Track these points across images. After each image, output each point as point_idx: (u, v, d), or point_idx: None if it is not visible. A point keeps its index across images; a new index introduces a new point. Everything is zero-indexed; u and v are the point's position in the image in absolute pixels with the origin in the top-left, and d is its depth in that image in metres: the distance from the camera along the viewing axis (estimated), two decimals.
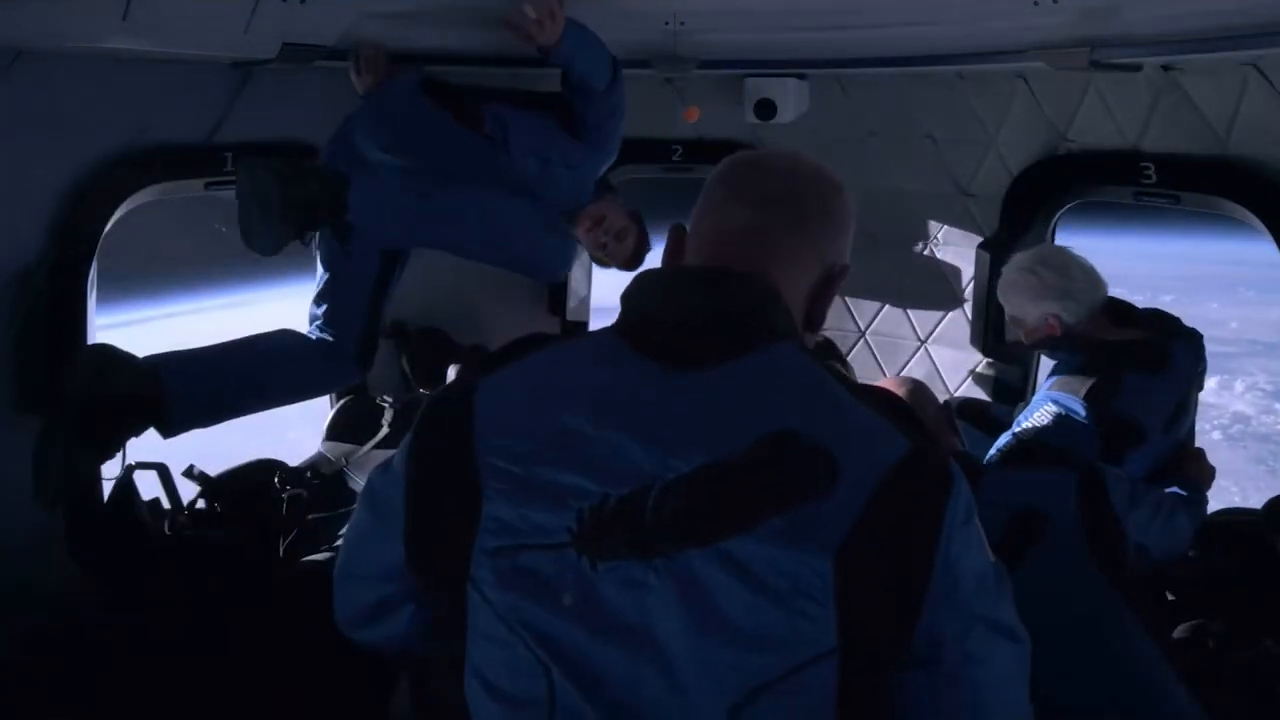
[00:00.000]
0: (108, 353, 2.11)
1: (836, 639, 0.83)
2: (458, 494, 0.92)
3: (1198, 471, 2.16)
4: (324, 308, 2.61)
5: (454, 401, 0.98)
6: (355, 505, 1.14)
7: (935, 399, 2.14)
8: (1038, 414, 2.07)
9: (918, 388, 2.10)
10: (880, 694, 0.88)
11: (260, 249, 2.40)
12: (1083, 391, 2.03)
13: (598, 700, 0.86)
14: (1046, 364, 3.14)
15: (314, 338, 2.60)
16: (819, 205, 1.06)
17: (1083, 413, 2.01)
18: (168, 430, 2.22)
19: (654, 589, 0.85)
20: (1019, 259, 2.28)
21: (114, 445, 2.13)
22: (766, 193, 1.05)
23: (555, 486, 0.88)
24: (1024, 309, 2.23)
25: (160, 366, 2.18)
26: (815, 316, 1.05)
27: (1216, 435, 15.45)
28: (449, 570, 0.92)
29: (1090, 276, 2.18)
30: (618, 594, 0.85)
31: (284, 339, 2.56)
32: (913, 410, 1.00)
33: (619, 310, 1.02)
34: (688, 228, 1.09)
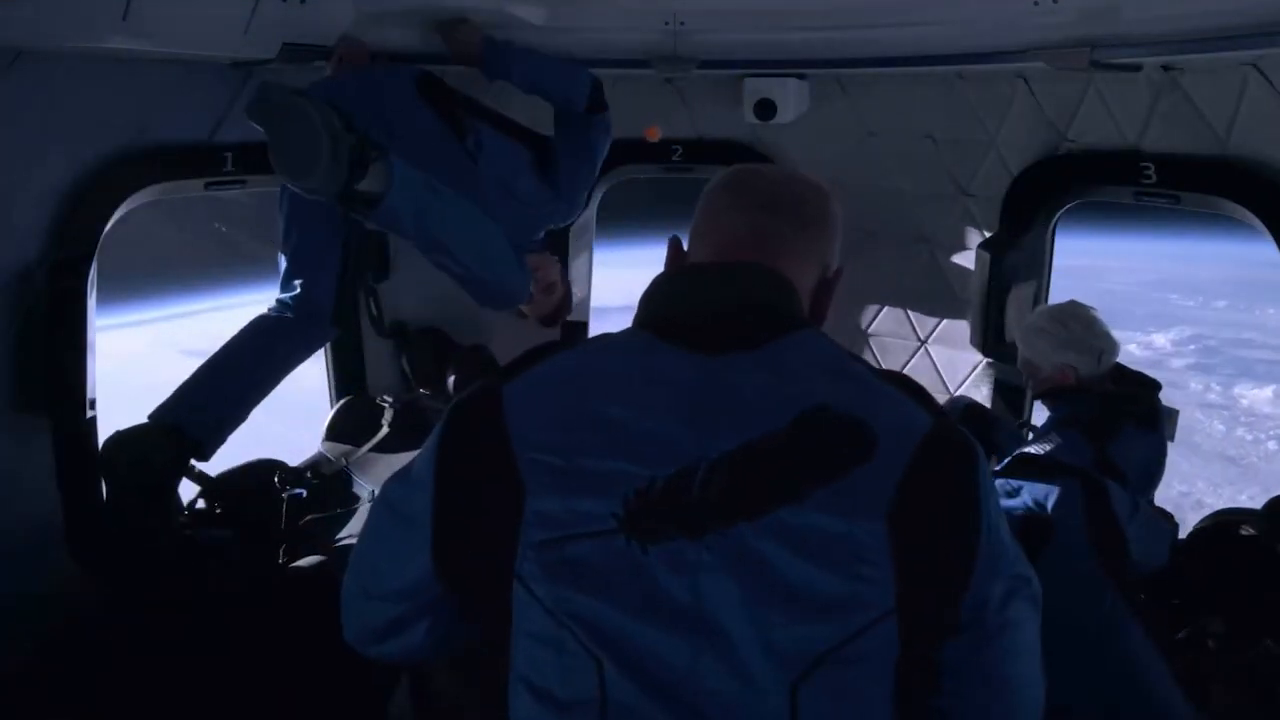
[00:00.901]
0: (137, 447, 2.28)
1: (895, 600, 0.85)
2: (497, 493, 0.91)
3: None
4: (297, 289, 2.60)
5: (482, 404, 0.97)
6: (364, 522, 1.11)
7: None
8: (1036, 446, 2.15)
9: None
10: (931, 662, 0.91)
11: (324, 181, 2.01)
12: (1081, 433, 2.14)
13: (653, 691, 0.85)
14: None
15: (288, 318, 2.62)
16: (818, 210, 1.09)
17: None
18: (204, 457, 2.45)
19: (707, 567, 0.85)
20: (1050, 311, 2.39)
21: (170, 492, 2.38)
22: (771, 197, 1.08)
23: (599, 474, 0.88)
24: (1045, 356, 2.31)
25: (181, 425, 2.34)
26: (818, 314, 1.08)
27: (1272, 445, 15.48)
28: (491, 572, 0.91)
29: (1111, 337, 2.30)
30: (670, 576, 0.85)
31: (263, 331, 2.61)
32: (929, 393, 1.03)
33: (638, 310, 1.04)
34: (684, 240, 1.12)
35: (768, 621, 0.84)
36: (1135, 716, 1.72)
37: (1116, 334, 2.30)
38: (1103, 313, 2.32)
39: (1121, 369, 2.34)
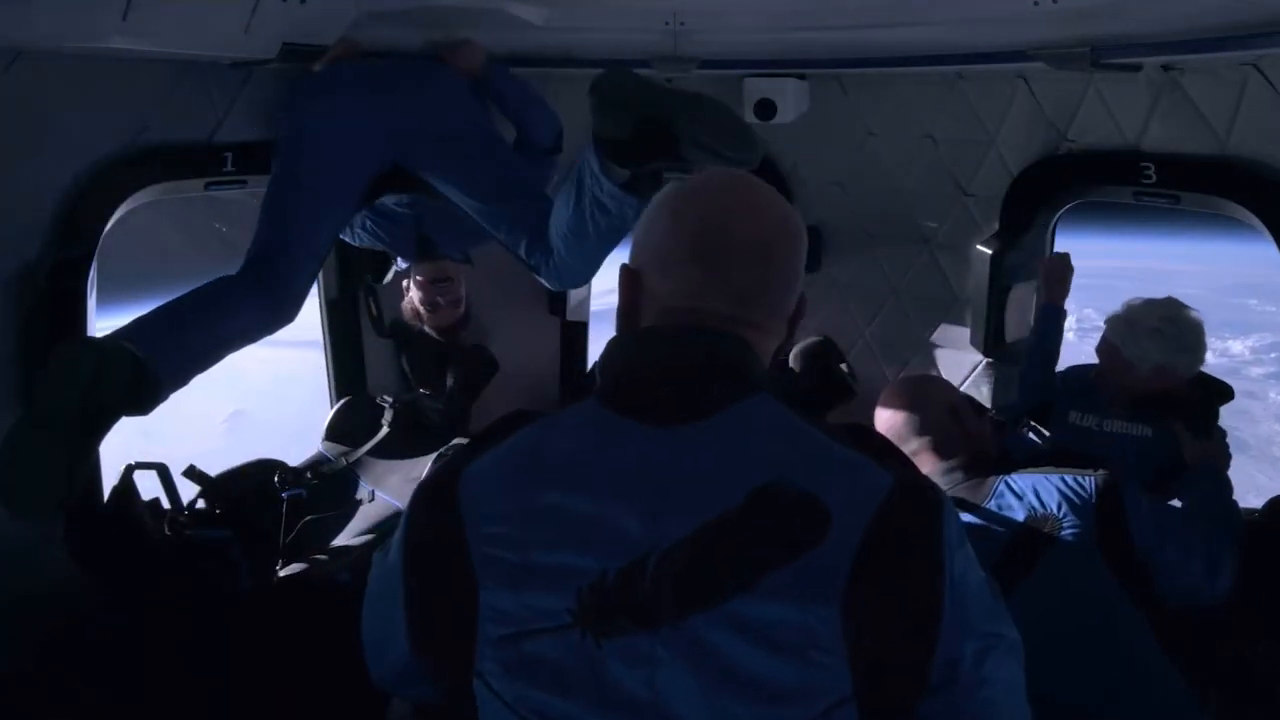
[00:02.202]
0: (103, 353, 1.88)
1: (851, 684, 0.84)
2: (454, 588, 0.91)
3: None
4: (278, 265, 2.27)
5: (439, 493, 0.97)
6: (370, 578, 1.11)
7: (947, 389, 2.15)
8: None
9: (929, 383, 2.18)
10: None
11: None
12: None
13: None
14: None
15: (251, 283, 2.26)
16: (790, 272, 1.04)
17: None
18: (147, 409, 2.00)
19: (662, 660, 0.85)
20: (1156, 309, 2.36)
21: (104, 433, 1.95)
22: (742, 286, 1.00)
23: (552, 568, 0.88)
24: (1148, 357, 2.31)
25: (147, 357, 1.97)
26: (788, 346, 1.09)
27: None
28: (454, 664, 0.92)
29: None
30: (626, 670, 0.85)
31: (229, 289, 2.26)
32: (889, 442, 1.03)
33: (598, 377, 1.02)
34: (635, 268, 1.05)
35: (727, 712, 0.84)
36: (1138, 713, 1.71)
37: None
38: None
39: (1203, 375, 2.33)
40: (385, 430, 2.98)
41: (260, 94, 2.59)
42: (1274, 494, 2.41)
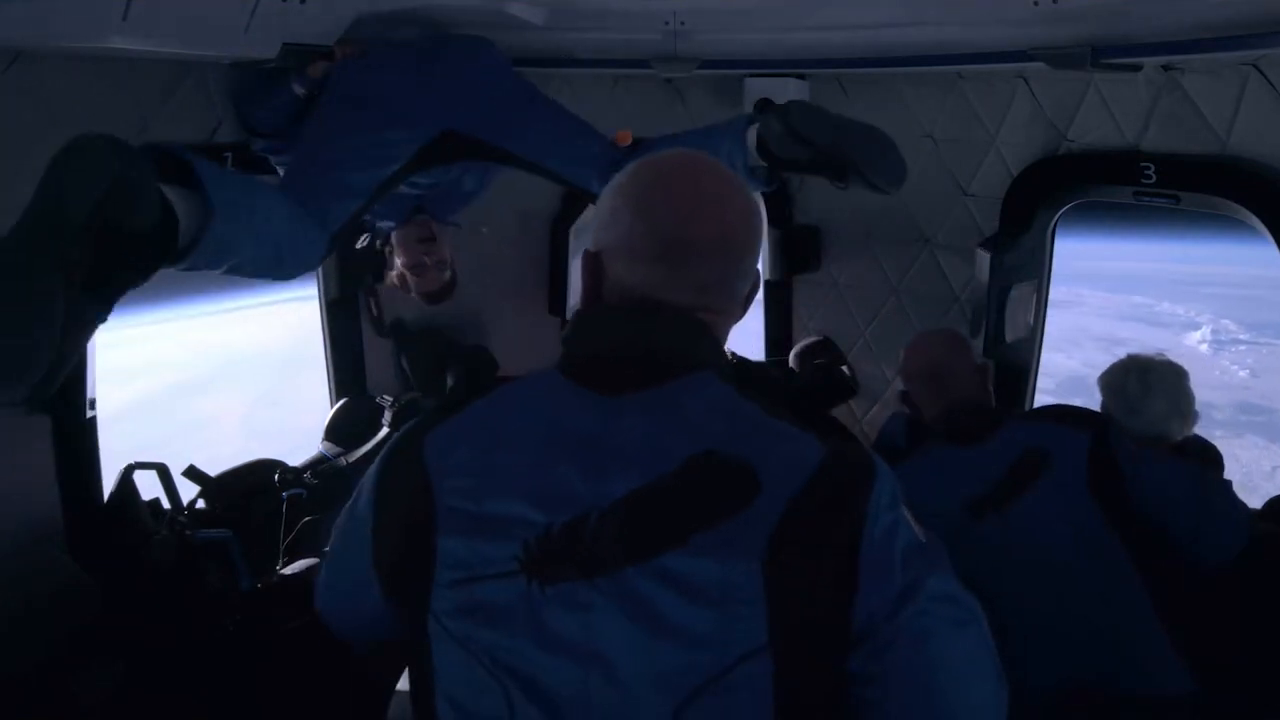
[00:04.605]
0: (132, 154, 1.32)
1: (767, 635, 0.91)
2: (418, 533, 1.00)
3: None
4: (323, 180, 2.12)
5: (408, 449, 1.07)
6: (328, 550, 1.23)
7: (972, 353, 2.37)
8: None
9: (958, 339, 2.41)
10: (822, 689, 0.95)
11: None
12: None
13: (551, 711, 0.94)
14: (1047, 363, 3.16)
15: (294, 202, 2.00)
16: (749, 263, 1.11)
17: None
18: (168, 259, 1.50)
19: (598, 607, 0.93)
20: (1165, 368, 2.31)
21: (116, 295, 1.40)
22: (704, 281, 1.06)
23: (504, 519, 0.97)
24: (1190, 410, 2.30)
25: (203, 178, 1.52)
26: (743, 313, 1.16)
27: None
28: (413, 603, 1.01)
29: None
30: (564, 614, 0.94)
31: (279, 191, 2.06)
32: (835, 420, 1.06)
33: (562, 349, 1.10)
34: (597, 251, 1.09)
35: (650, 652, 0.92)
36: (1120, 645, 1.79)
37: None
38: None
39: None
40: (385, 430, 2.98)
41: None
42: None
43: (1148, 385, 2.23)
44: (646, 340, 1.03)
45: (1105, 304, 17.34)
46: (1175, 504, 1.94)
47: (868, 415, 3.57)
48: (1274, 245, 2.35)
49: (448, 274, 2.78)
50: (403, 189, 2.54)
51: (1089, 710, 1.71)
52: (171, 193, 1.46)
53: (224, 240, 1.58)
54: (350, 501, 1.15)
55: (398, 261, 2.80)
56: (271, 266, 1.86)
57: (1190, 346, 15.31)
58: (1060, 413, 2.20)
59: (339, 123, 2.25)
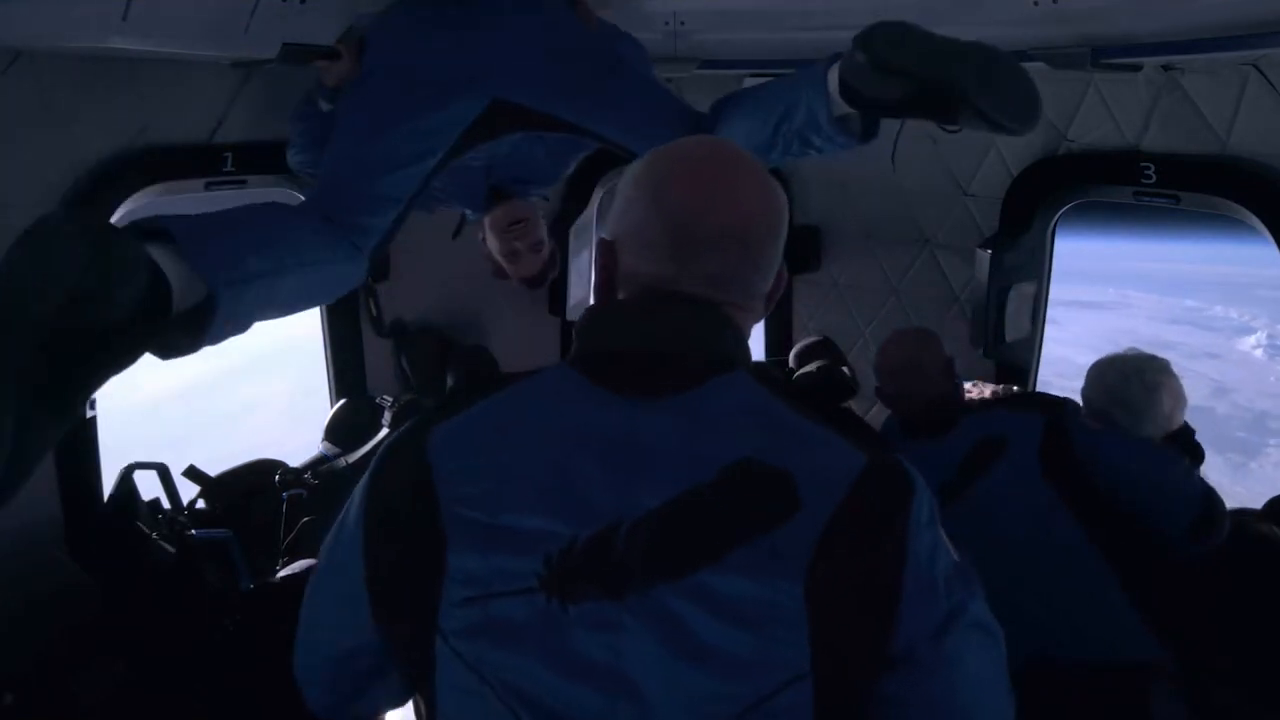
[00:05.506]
0: (105, 236, 1.14)
1: (810, 661, 0.84)
2: (421, 547, 0.91)
3: None
4: (360, 189, 1.88)
5: (409, 452, 0.96)
6: (309, 586, 1.10)
7: (943, 350, 2.43)
8: None
9: (929, 337, 2.45)
10: (858, 715, 0.89)
11: None
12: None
13: None
14: (1047, 361, 3.16)
15: (328, 223, 1.82)
16: (768, 256, 1.01)
17: None
18: (186, 345, 1.38)
19: (627, 628, 0.85)
20: (1159, 364, 2.30)
21: (84, 399, 1.23)
22: (719, 274, 0.98)
23: (522, 531, 0.88)
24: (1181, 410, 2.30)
25: (185, 247, 1.33)
26: (767, 312, 1.07)
27: None
28: (416, 624, 0.91)
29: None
30: (590, 635, 0.85)
31: (302, 215, 1.84)
32: (864, 422, 1.02)
33: (574, 342, 1.01)
34: (612, 240, 1.02)
35: (684, 680, 0.84)
36: (1079, 621, 1.85)
37: None
38: None
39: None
40: (385, 430, 2.98)
41: (260, 94, 2.59)
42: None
43: (1151, 386, 2.24)
44: (672, 337, 0.95)
45: (1154, 307, 17.01)
46: (1130, 480, 2.02)
47: (868, 415, 3.57)
48: (1274, 245, 2.35)
49: (544, 253, 2.56)
50: (469, 162, 2.27)
51: (1054, 682, 1.74)
52: (164, 258, 1.27)
53: (234, 317, 1.43)
54: (339, 518, 1.03)
55: (492, 249, 2.59)
56: (300, 306, 1.76)
57: (1244, 351, 15.13)
58: (1017, 400, 2.31)
59: (362, 118, 1.97)
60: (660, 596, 0.85)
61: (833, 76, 1.73)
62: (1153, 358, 2.31)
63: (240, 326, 1.49)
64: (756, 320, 1.05)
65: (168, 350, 1.35)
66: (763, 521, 0.86)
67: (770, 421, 0.92)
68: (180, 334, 1.36)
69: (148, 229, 1.35)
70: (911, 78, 1.61)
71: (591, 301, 1.07)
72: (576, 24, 2.14)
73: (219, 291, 1.36)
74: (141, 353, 1.28)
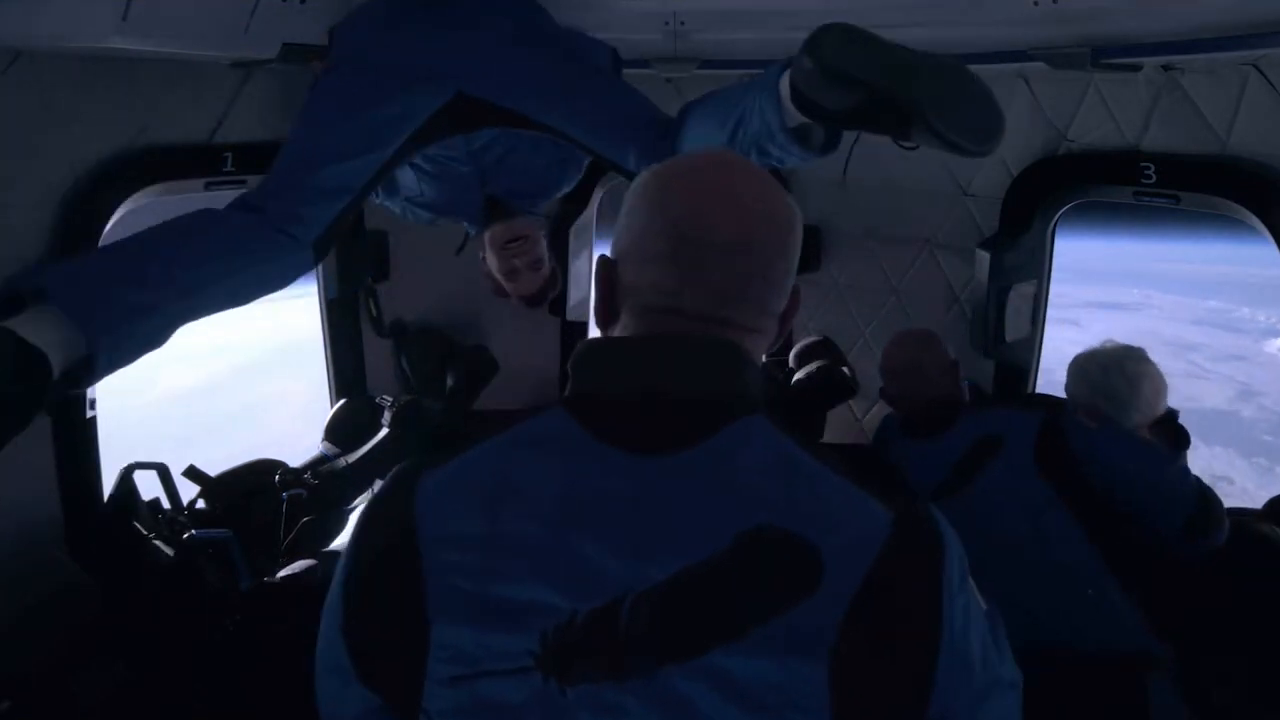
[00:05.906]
0: None
1: None
2: (402, 619, 0.84)
3: None
4: (287, 193, 1.85)
5: (396, 504, 0.88)
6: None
7: (945, 352, 2.48)
8: None
9: (932, 338, 2.50)
10: None
11: None
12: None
13: None
14: (1048, 361, 3.15)
15: (250, 219, 1.81)
16: (778, 268, 0.96)
17: None
18: (87, 382, 1.45)
19: (631, 712, 0.78)
20: (1137, 353, 2.33)
21: None
22: (723, 286, 0.91)
23: (516, 604, 0.81)
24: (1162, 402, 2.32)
25: (52, 293, 1.38)
26: (779, 343, 1.02)
27: None
28: (400, 699, 0.85)
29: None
30: (590, 719, 0.79)
31: (214, 222, 1.79)
32: (890, 471, 0.99)
33: (570, 381, 0.93)
34: (614, 258, 0.97)
35: None
36: (1076, 616, 1.88)
37: None
38: None
39: None
40: (385, 430, 2.98)
41: (260, 94, 2.59)
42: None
43: (1133, 376, 2.27)
44: (678, 377, 0.87)
45: (1177, 308, 16.60)
46: (1126, 478, 2.05)
47: (868, 415, 3.57)
48: (1274, 245, 2.35)
49: (544, 271, 2.50)
50: (452, 165, 2.32)
51: (1051, 675, 1.75)
52: (38, 323, 1.31)
53: (127, 353, 1.46)
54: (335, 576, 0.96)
55: (492, 266, 2.56)
56: (232, 305, 1.74)
57: (1271, 354, 14.90)
58: (1015, 399, 2.35)
59: (320, 109, 1.96)
60: (667, 678, 0.78)
61: (784, 83, 1.64)
62: (1130, 348, 2.33)
63: (139, 353, 1.51)
64: (768, 342, 0.98)
65: (63, 396, 1.38)
66: (781, 596, 0.78)
67: (787, 476, 0.85)
68: (69, 386, 1.40)
69: (25, 291, 1.38)
70: (860, 86, 1.52)
71: (591, 319, 1.04)
72: (547, 25, 2.15)
73: (98, 339, 1.38)
74: (34, 414, 1.33)
